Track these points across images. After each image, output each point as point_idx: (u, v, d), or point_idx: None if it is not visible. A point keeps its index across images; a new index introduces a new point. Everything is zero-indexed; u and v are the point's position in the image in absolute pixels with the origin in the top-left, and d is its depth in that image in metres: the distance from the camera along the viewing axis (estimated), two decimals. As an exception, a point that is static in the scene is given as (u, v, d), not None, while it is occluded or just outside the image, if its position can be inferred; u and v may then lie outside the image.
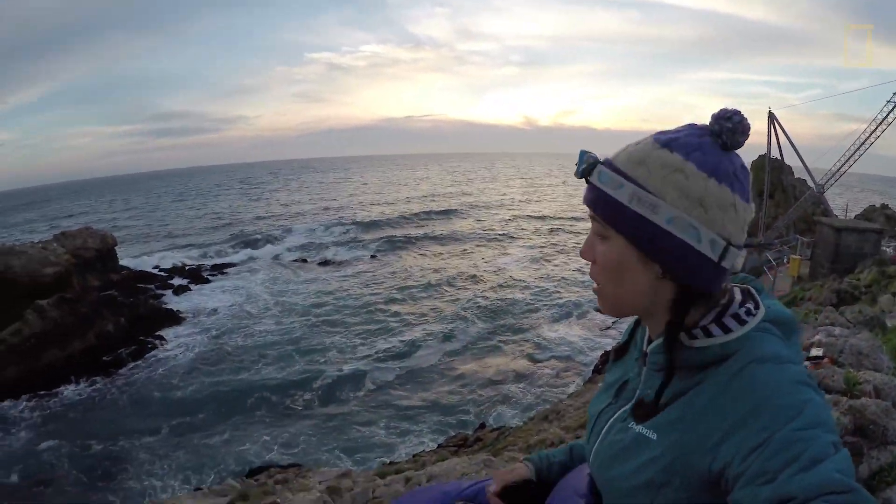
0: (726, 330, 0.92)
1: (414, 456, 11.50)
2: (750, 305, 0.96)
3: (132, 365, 20.56)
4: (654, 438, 0.93)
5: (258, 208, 73.22)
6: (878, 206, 34.70)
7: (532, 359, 20.85)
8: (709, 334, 0.92)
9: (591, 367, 18.46)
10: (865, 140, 28.63)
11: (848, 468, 0.71)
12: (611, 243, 0.96)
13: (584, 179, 1.00)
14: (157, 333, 23.26)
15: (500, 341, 22.68)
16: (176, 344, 22.70)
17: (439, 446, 12.28)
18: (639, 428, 0.98)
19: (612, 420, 1.08)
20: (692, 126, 0.98)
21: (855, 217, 30.80)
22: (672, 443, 0.90)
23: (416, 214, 58.50)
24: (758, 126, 33.56)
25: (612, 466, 1.01)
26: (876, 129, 28.30)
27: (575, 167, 1.01)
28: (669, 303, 0.95)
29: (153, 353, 21.65)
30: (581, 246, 1.02)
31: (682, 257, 0.91)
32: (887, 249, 22.46)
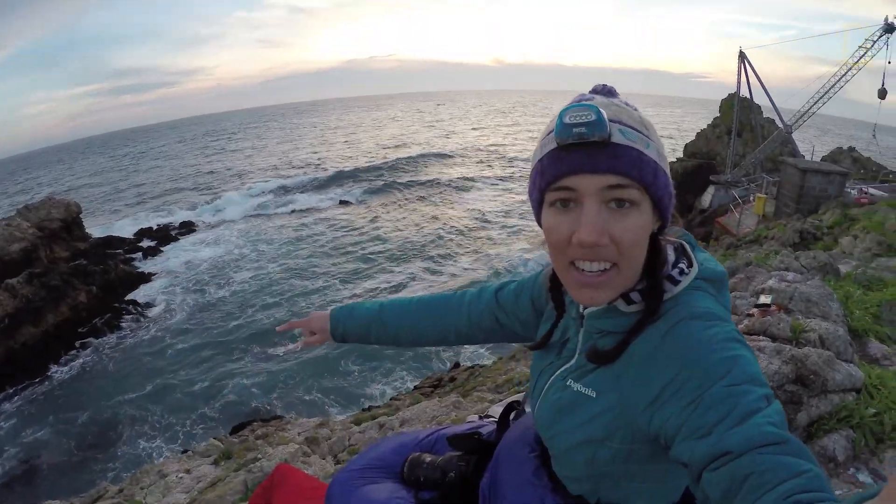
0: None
1: (392, 399, 11.68)
2: (683, 265, 0.96)
3: (109, 333, 20.34)
4: (594, 396, 0.96)
5: (224, 161, 70.88)
6: (844, 148, 35.10)
7: None
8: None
9: None
10: (836, 83, 28.87)
11: (780, 420, 0.73)
12: (640, 211, 0.88)
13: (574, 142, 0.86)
14: (130, 298, 22.95)
15: (475, 276, 22.86)
16: (150, 305, 22.50)
17: (415, 388, 12.47)
18: (577, 386, 1.00)
19: (553, 378, 1.10)
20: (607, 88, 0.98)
21: (821, 159, 31.16)
22: (611, 401, 0.93)
23: (384, 159, 57.24)
24: (729, 65, 33.48)
25: (555, 423, 1.04)
26: (846, 73, 28.52)
27: (574, 121, 0.85)
28: (644, 257, 0.93)
29: (128, 317, 21.43)
30: (584, 229, 0.86)
31: (671, 202, 0.93)
32: (851, 192, 22.84)
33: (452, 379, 11.56)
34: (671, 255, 0.97)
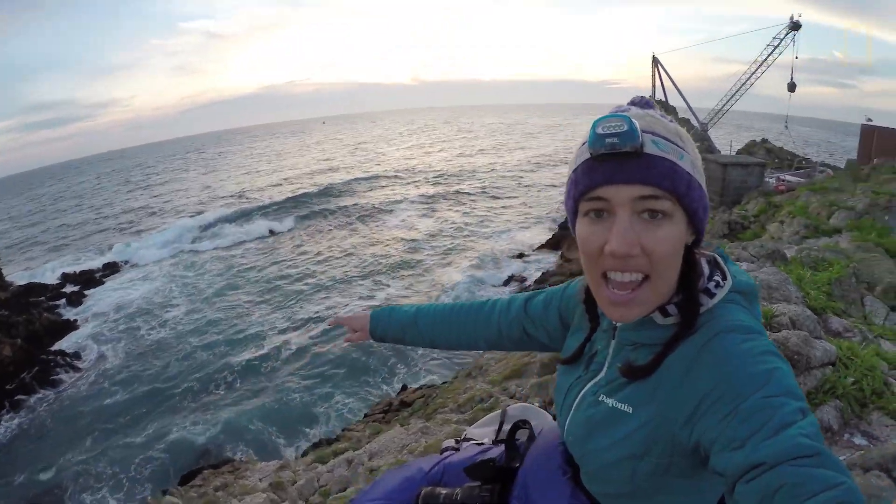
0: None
1: (344, 430, 11.43)
2: (718, 277, 0.96)
3: (40, 388, 18.85)
4: (630, 412, 0.95)
5: (146, 197, 66.64)
6: (758, 140, 36.99)
7: None
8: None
9: None
10: (747, 80, 30.50)
11: (815, 433, 0.72)
12: (672, 222, 0.88)
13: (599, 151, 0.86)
14: (58, 348, 21.42)
15: (407, 296, 22.68)
16: (81, 353, 21.11)
17: (366, 416, 12.21)
18: (612, 402, 0.98)
19: (583, 393, 1.08)
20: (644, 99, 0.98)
21: (737, 152, 32.72)
22: (649, 415, 0.91)
23: (312, 186, 55.28)
24: (641, 70, 34.76)
25: (589, 440, 1.02)
26: (756, 69, 30.20)
27: (607, 132, 0.85)
28: (677, 270, 0.93)
29: (59, 369, 19.93)
30: (615, 239, 0.86)
31: (706, 216, 0.93)
32: (770, 181, 24.04)
33: (404, 403, 11.37)
34: (705, 269, 0.97)
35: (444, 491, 1.35)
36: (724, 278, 0.96)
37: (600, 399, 1.01)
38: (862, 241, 6.80)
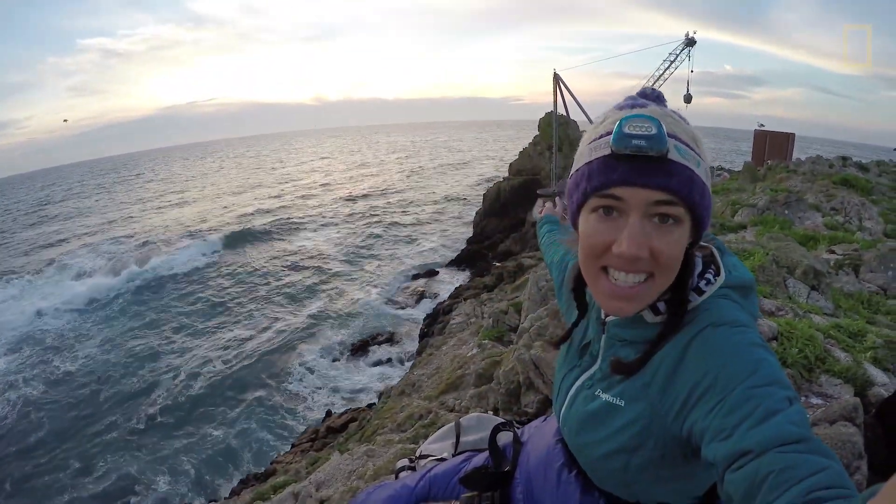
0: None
1: (273, 463, 11.13)
2: (710, 274, 0.97)
3: None
4: (623, 405, 0.97)
5: (44, 229, 59.19)
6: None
7: (359, 334, 20.62)
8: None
9: (418, 334, 18.52)
10: (643, 95, 32.49)
11: (802, 420, 0.73)
12: (682, 228, 0.89)
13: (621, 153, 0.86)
14: None
15: (317, 326, 22.20)
16: None
17: (293, 446, 11.90)
18: (606, 396, 1.01)
19: (577, 385, 1.11)
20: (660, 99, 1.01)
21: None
22: (641, 410, 0.94)
23: (223, 211, 53.21)
24: (541, 86, 36.02)
25: (583, 433, 1.05)
26: (654, 83, 31.98)
27: (635, 132, 0.84)
28: (678, 270, 0.94)
29: None
30: (627, 241, 0.86)
31: (709, 220, 0.94)
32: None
33: (331, 429, 11.07)
34: (699, 265, 0.99)
35: None
36: (718, 273, 0.97)
37: (596, 393, 1.04)
38: (769, 234, 7.28)
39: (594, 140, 0.93)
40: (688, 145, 0.89)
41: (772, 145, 28.46)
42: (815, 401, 2.48)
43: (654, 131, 0.83)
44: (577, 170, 0.96)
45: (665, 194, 0.85)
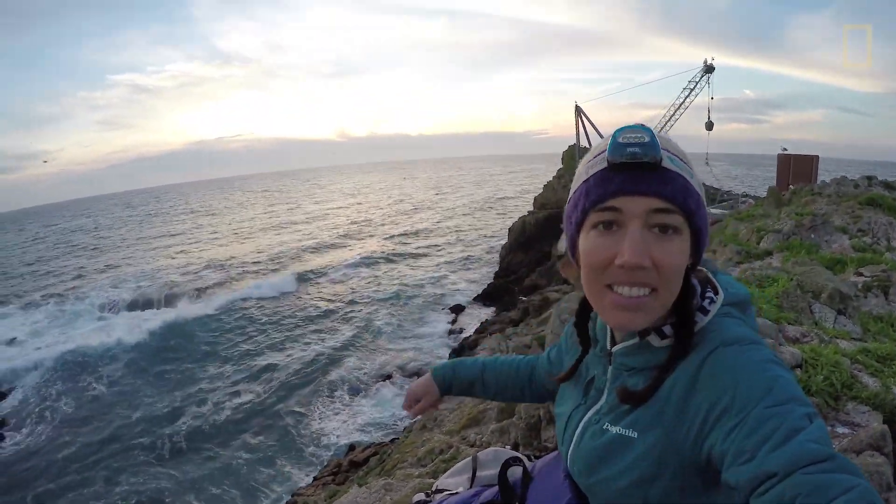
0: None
1: (294, 495, 11.08)
2: (710, 294, 0.97)
3: None
4: (636, 437, 0.93)
5: (73, 260, 59.35)
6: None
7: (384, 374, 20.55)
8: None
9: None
10: (666, 123, 32.19)
11: (824, 437, 0.71)
12: (682, 238, 0.89)
13: (618, 162, 0.88)
14: None
15: (345, 359, 22.30)
16: (6, 421, 19.27)
17: (315, 479, 11.87)
18: (616, 429, 0.97)
19: (584, 422, 1.08)
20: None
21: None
22: (656, 438, 0.90)
23: (262, 249, 52.84)
24: (563, 119, 36.29)
25: (597, 470, 1.00)
26: (675, 112, 31.95)
27: (628, 141, 0.86)
28: (680, 286, 0.93)
29: None
30: (628, 250, 0.86)
31: (707, 240, 0.95)
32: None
33: (354, 463, 11.01)
34: (697, 287, 0.98)
35: None
36: (716, 292, 0.97)
37: (605, 427, 1.01)
38: (794, 259, 7.15)
39: (590, 160, 0.95)
40: (680, 158, 0.91)
41: (796, 169, 28.16)
42: (840, 430, 2.38)
43: (647, 139, 0.85)
44: (574, 191, 0.97)
45: (662, 202, 0.86)
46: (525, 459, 1.47)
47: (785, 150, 30.90)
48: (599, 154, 0.92)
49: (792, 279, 4.66)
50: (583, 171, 0.96)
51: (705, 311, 0.94)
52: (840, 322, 4.26)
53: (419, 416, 1.89)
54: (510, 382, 1.56)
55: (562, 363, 1.35)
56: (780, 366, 0.83)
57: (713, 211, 25.62)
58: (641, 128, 0.87)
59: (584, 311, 1.16)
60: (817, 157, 29.23)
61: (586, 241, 0.93)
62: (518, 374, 1.55)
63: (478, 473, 1.57)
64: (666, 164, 0.87)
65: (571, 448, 1.10)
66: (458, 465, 1.69)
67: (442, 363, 1.67)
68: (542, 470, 1.36)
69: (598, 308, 0.96)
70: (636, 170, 0.86)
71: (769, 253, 8.11)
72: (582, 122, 35.35)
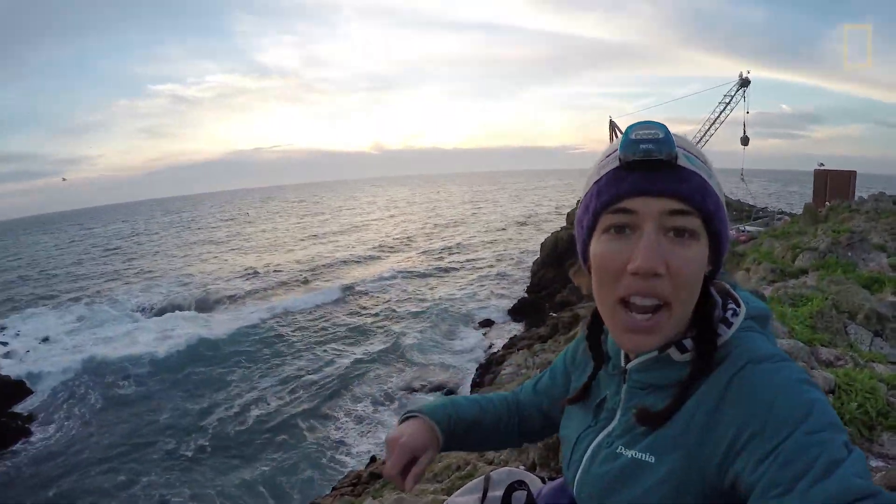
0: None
1: None
2: (732, 305, 0.90)
3: None
4: (653, 461, 0.85)
5: (109, 265, 59.01)
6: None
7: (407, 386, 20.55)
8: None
9: (469, 383, 18.58)
10: (701, 138, 31.88)
11: (864, 469, 0.65)
12: (699, 244, 0.83)
13: (632, 160, 0.82)
14: (10, 410, 19.60)
15: (372, 370, 22.29)
16: (34, 416, 19.86)
17: (333, 489, 11.65)
18: (631, 453, 0.89)
19: (594, 445, 0.99)
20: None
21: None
22: (677, 462, 0.82)
23: (295, 259, 52.35)
24: (597, 134, 36.22)
25: (609, 497, 0.91)
26: (710, 127, 31.61)
27: (642, 137, 0.81)
28: (696, 298, 0.86)
29: (14, 434, 18.35)
30: (642, 254, 0.80)
31: (727, 245, 0.88)
32: (731, 232, 24.85)
33: (374, 475, 10.98)
34: (717, 298, 0.92)
35: None
36: (738, 305, 0.90)
37: (618, 451, 0.92)
38: (829, 278, 6.95)
39: (602, 160, 0.90)
40: (698, 157, 0.85)
41: (833, 185, 27.65)
42: (875, 463, 2.23)
43: (661, 135, 0.80)
44: (586, 192, 0.92)
45: (678, 202, 0.80)
46: (538, 482, 1.40)
47: (822, 165, 30.33)
48: (612, 153, 0.87)
49: (827, 298, 4.50)
50: (594, 171, 0.91)
51: (728, 324, 0.87)
52: (877, 344, 4.09)
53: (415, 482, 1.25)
54: (504, 417, 1.34)
55: (554, 389, 1.28)
56: (816, 387, 0.76)
57: (748, 228, 25.17)
58: (655, 124, 0.82)
59: (597, 324, 1.07)
60: (855, 172, 28.76)
61: (597, 246, 0.87)
62: (508, 409, 1.36)
63: (489, 493, 1.49)
64: (682, 161, 0.82)
65: (579, 474, 1.01)
66: (471, 483, 1.60)
67: (429, 403, 1.27)
68: (546, 495, 1.30)
69: (612, 327, 0.90)
70: (650, 168, 0.81)
71: (804, 271, 7.90)
72: (616, 136, 35.20)
